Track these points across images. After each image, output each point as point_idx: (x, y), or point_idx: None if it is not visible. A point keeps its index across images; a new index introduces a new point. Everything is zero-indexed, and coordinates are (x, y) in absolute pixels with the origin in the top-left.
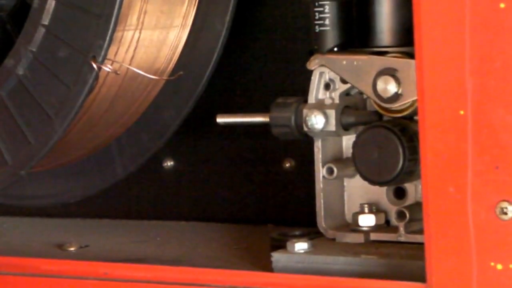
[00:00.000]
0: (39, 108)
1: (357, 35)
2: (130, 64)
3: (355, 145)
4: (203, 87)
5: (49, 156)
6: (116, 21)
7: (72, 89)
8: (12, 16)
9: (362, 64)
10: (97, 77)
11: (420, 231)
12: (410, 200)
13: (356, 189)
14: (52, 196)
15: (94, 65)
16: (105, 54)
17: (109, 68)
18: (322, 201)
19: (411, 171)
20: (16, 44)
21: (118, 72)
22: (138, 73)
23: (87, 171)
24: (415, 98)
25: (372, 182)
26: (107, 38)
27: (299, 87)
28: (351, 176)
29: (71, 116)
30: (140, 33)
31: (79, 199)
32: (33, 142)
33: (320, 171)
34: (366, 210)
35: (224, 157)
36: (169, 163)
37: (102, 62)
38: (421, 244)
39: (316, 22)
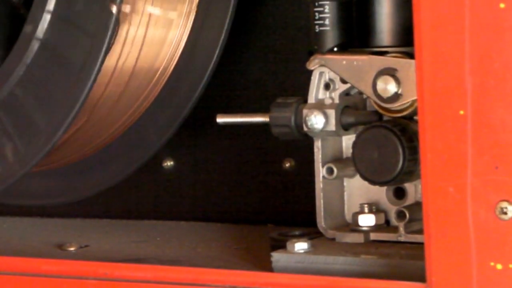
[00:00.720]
0: (65, 68)
1: (357, 35)
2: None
3: (355, 145)
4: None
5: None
6: None
7: (95, 38)
8: (24, 2)
9: (362, 64)
10: (118, 22)
11: (420, 231)
12: (410, 200)
13: (356, 189)
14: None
15: (114, 8)
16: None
17: (128, 10)
18: (322, 201)
19: (411, 171)
20: (32, 8)
21: (131, 13)
22: (156, 15)
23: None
24: (415, 98)
25: (372, 182)
26: None
27: (299, 87)
28: (351, 176)
29: (97, 67)
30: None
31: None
32: (62, 100)
33: (320, 171)
34: (366, 210)
35: (224, 157)
36: (169, 163)
37: (121, 2)
38: (421, 244)
39: (316, 22)
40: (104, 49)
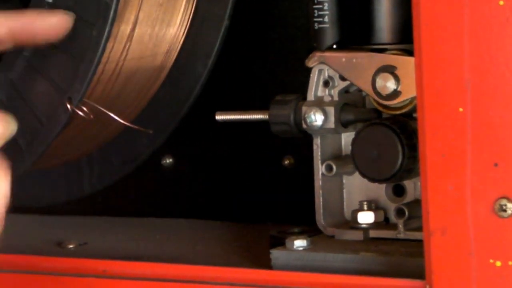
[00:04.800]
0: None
1: (356, 32)
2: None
3: (354, 142)
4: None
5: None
6: (96, 65)
7: (45, 125)
8: None
9: (361, 62)
10: (70, 120)
11: (419, 229)
12: (409, 197)
13: (355, 186)
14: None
15: (69, 107)
16: (80, 99)
17: (82, 113)
18: (321, 198)
19: (410, 168)
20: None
21: (91, 116)
22: (110, 116)
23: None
24: (414, 95)
25: (371, 179)
26: (85, 83)
27: (298, 85)
28: (350, 173)
29: (41, 150)
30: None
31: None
32: None
33: (319, 169)
34: (365, 207)
35: (223, 155)
36: (168, 160)
37: (76, 105)
38: (420, 241)
39: (315, 19)
40: (50, 139)
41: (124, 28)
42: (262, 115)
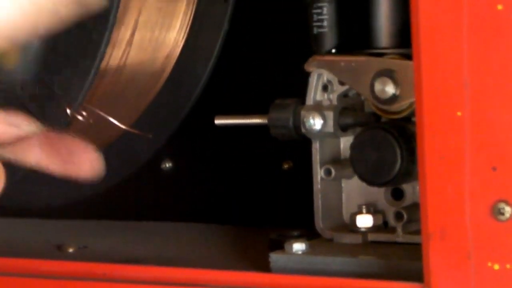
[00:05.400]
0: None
1: (355, 36)
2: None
3: (353, 146)
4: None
5: None
6: (96, 70)
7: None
8: None
9: (359, 66)
10: (69, 124)
11: (418, 232)
12: (407, 201)
13: (354, 190)
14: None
15: (68, 111)
16: (80, 103)
17: (82, 118)
18: (320, 202)
19: (409, 172)
20: None
21: (91, 121)
22: (110, 121)
23: None
24: (412, 99)
25: (370, 183)
26: (85, 87)
27: (297, 89)
28: (349, 177)
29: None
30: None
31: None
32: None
33: (318, 172)
34: (364, 211)
35: (222, 159)
36: (168, 164)
37: (76, 110)
38: (419, 244)
39: (314, 23)
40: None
41: (124, 33)
42: (262, 120)
